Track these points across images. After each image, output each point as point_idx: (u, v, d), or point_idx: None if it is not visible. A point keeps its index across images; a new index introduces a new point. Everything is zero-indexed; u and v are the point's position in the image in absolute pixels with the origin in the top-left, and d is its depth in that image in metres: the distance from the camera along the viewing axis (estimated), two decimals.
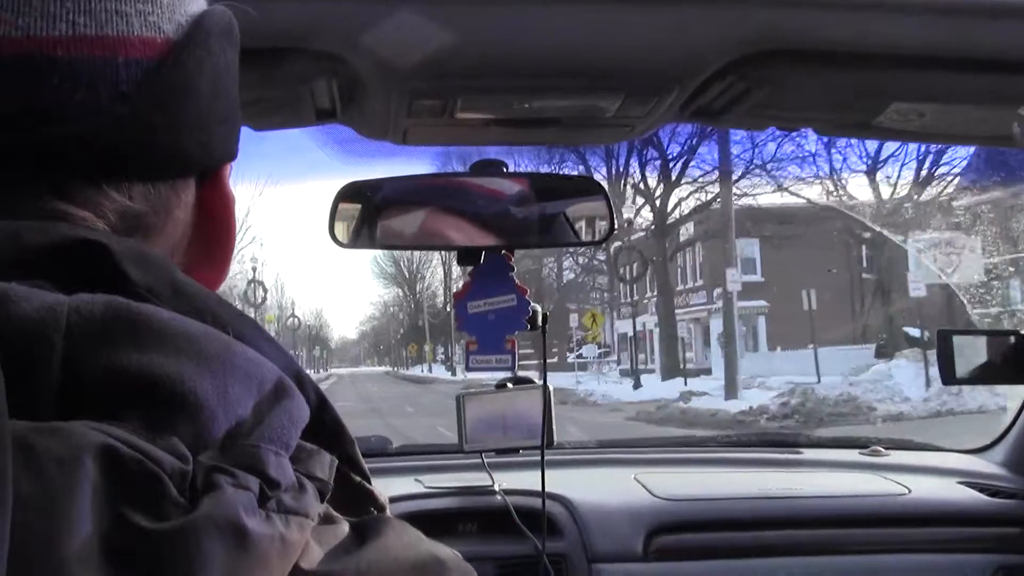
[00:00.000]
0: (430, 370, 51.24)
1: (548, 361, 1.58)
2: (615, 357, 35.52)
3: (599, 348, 31.69)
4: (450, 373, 42.56)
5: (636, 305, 30.29)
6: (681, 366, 25.93)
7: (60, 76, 0.50)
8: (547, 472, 1.65)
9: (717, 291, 25.83)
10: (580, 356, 32.30)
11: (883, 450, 2.16)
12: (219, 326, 0.49)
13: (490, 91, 1.20)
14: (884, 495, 1.87)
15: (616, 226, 1.55)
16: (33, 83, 0.50)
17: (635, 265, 29.75)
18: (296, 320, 53.09)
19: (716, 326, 26.90)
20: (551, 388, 1.67)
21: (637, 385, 23.59)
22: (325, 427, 0.51)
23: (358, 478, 0.53)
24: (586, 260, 32.13)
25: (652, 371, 28.76)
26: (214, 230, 0.59)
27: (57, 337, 0.43)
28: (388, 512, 0.55)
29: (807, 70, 1.17)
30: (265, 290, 36.76)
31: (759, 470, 2.05)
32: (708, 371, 27.42)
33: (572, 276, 35.56)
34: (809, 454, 2.17)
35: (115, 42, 0.52)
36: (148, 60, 0.53)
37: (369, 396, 26.19)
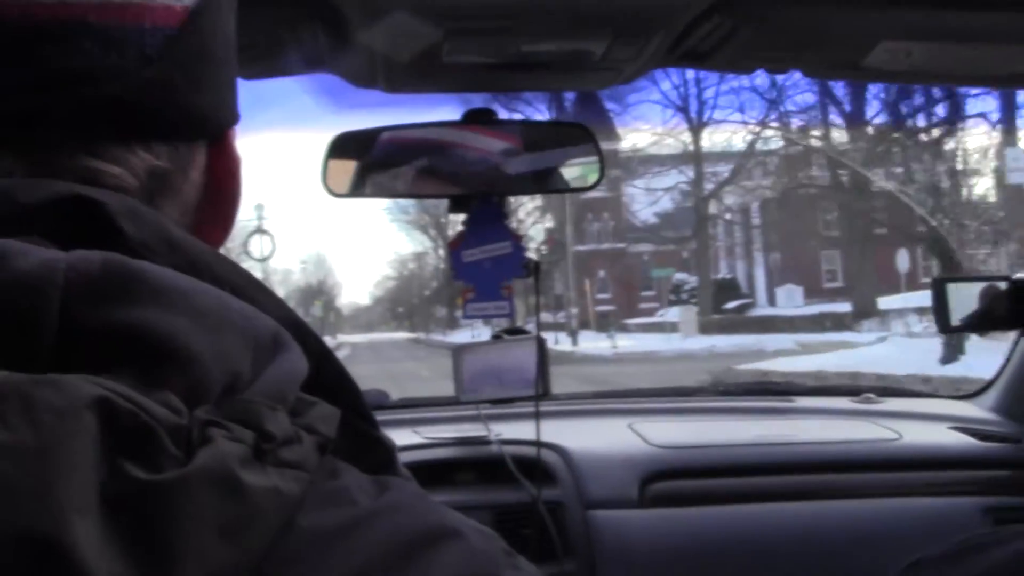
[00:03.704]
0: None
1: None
2: None
3: None
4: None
5: None
6: None
7: (93, 41, 0.52)
8: (543, 422, 1.67)
9: None
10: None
11: (875, 397, 2.18)
12: (215, 281, 0.50)
13: (478, 33, 1.21)
14: (876, 441, 1.89)
15: (604, 172, 1.57)
16: (68, 47, 0.52)
17: None
18: (266, 239, 29.64)
19: None
20: (544, 338, 1.68)
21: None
22: (327, 379, 0.52)
23: (365, 426, 0.53)
24: None
25: None
26: (222, 191, 0.61)
27: (55, 293, 0.44)
28: (397, 458, 0.54)
29: (794, 7, 1.18)
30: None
31: (753, 418, 2.06)
32: None
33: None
34: (802, 402, 2.18)
35: (141, 10, 0.54)
36: (169, 27, 0.55)
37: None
